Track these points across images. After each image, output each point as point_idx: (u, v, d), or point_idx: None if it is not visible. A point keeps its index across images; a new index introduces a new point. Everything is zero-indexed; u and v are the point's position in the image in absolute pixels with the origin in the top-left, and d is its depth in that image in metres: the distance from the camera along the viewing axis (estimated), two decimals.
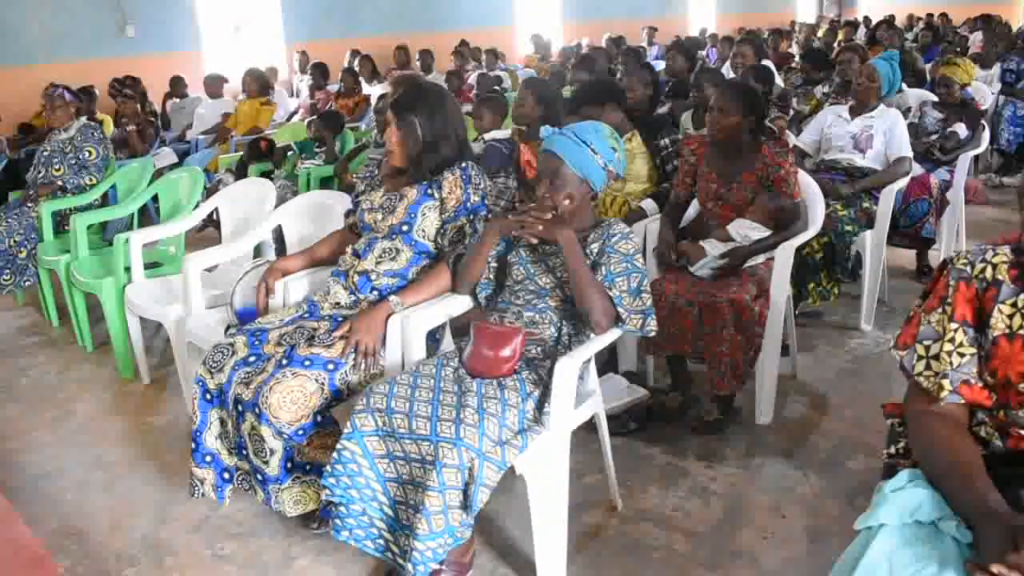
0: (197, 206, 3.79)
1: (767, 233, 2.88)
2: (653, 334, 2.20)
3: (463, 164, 2.43)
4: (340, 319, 2.37)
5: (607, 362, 3.12)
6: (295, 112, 8.03)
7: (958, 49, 8.30)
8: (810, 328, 3.63)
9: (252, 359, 2.25)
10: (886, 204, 3.56)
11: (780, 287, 2.82)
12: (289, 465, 2.20)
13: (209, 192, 4.73)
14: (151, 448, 2.95)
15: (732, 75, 5.35)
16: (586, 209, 2.30)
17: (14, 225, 4.14)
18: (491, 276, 2.37)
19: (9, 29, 7.81)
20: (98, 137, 4.42)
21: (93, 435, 3.08)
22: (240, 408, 2.18)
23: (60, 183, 4.32)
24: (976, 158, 5.14)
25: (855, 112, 3.85)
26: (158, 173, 4.72)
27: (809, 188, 3.07)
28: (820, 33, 12.28)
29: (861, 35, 11.33)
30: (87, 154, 4.35)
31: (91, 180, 4.33)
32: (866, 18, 14.13)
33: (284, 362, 2.18)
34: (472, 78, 8.42)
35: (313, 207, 3.22)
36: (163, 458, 2.86)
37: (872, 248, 3.53)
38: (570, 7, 13.67)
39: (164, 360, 3.67)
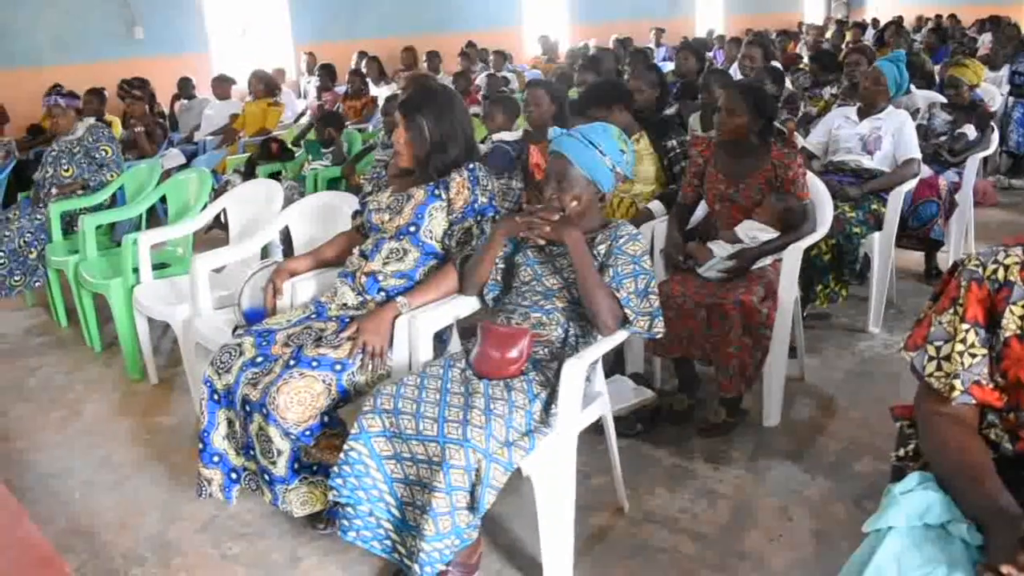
0: (205, 207, 3.80)
1: (775, 235, 2.87)
2: (660, 336, 2.20)
3: (471, 165, 2.43)
4: (347, 320, 2.37)
5: (614, 364, 3.12)
6: (303, 113, 8.06)
7: (967, 51, 8.26)
8: (818, 330, 3.62)
9: (260, 360, 2.25)
10: (894, 206, 3.55)
11: (788, 289, 2.82)
12: (296, 466, 2.20)
13: (217, 193, 4.74)
14: (159, 448, 2.96)
15: (740, 77, 5.34)
16: (594, 210, 2.30)
17: (25, 225, 4.16)
18: (498, 277, 2.37)
19: (18, 31, 7.86)
20: (108, 135, 4.47)
21: (101, 435, 3.09)
22: (248, 409, 2.19)
23: (82, 181, 4.34)
24: (985, 160, 5.11)
25: (863, 114, 3.83)
26: (166, 174, 4.75)
27: (817, 190, 3.06)
28: (828, 35, 12.24)
29: (869, 36, 11.29)
30: (104, 153, 4.38)
31: (111, 176, 4.37)
32: (874, 19, 14.09)
33: (292, 363, 2.18)
34: (480, 79, 8.42)
35: (320, 208, 3.23)
36: (171, 458, 2.87)
37: (880, 250, 3.52)
38: (578, 8, 13.65)
39: (172, 361, 3.68)
